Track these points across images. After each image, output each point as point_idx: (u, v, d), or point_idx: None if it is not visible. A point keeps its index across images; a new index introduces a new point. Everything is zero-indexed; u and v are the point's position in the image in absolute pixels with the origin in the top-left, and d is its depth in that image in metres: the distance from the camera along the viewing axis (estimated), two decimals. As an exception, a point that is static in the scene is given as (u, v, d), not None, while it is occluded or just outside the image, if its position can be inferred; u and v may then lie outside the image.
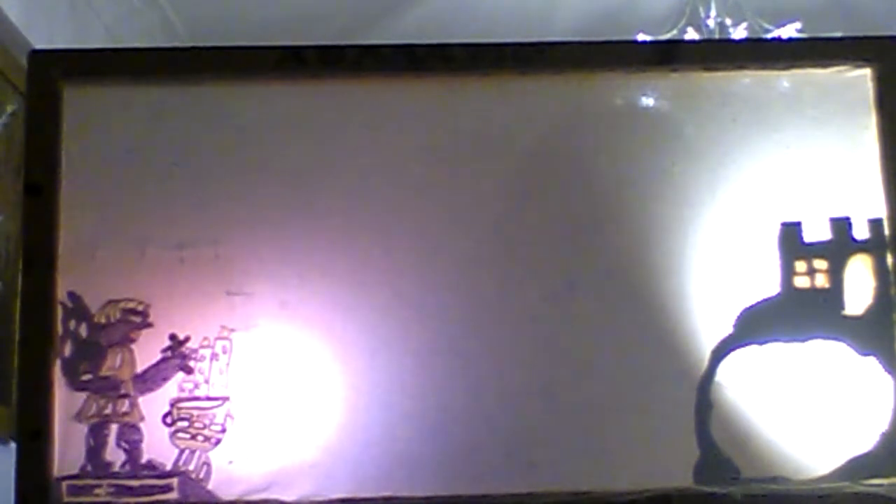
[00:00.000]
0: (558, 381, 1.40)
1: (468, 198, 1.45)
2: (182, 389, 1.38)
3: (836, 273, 1.42)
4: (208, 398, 1.38)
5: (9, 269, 2.76)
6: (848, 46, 1.52)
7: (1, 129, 2.76)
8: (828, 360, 1.41)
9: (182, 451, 1.37)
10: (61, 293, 1.40)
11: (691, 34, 3.89)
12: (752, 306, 1.42)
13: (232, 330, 1.39)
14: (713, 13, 3.92)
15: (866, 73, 1.47)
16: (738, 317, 1.41)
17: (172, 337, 1.39)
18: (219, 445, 1.37)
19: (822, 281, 1.42)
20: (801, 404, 1.39)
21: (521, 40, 1.49)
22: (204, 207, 1.43)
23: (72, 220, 1.42)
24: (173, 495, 1.35)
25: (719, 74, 1.48)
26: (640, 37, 3.62)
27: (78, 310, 1.40)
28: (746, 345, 1.41)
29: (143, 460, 1.37)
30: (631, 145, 1.46)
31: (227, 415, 1.37)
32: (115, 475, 1.36)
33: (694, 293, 1.41)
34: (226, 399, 1.38)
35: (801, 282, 1.42)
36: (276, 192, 1.43)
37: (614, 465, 1.38)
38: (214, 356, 1.38)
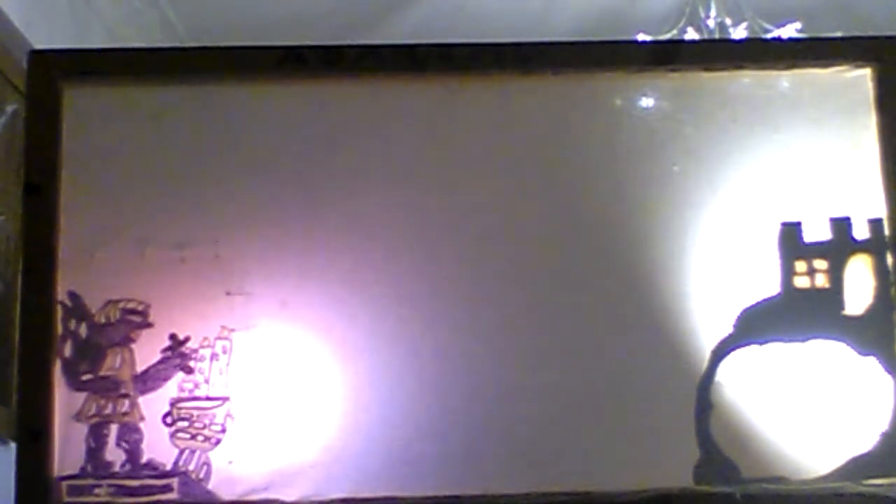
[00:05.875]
0: (558, 382, 1.40)
1: (468, 197, 1.45)
2: (182, 389, 1.38)
3: (836, 273, 1.42)
4: (208, 398, 1.38)
5: (9, 269, 2.75)
6: (848, 46, 1.52)
7: (1, 129, 2.76)
8: (828, 360, 1.41)
9: (182, 451, 1.37)
10: (61, 293, 1.40)
11: (691, 34, 3.89)
12: (752, 306, 1.42)
13: (232, 330, 1.39)
14: (713, 13, 3.92)
15: (866, 73, 1.47)
16: (738, 317, 1.41)
17: (172, 337, 1.39)
18: (219, 445, 1.37)
19: (822, 281, 1.42)
20: (802, 404, 1.39)
21: (521, 40, 1.49)
22: (204, 207, 1.43)
23: (72, 220, 1.42)
24: (173, 495, 1.35)
25: (719, 74, 1.48)
26: (640, 37, 3.62)
27: (78, 310, 1.40)
28: (746, 345, 1.41)
29: (143, 460, 1.36)
30: (631, 145, 1.46)
31: (227, 415, 1.37)
32: (115, 475, 1.36)
33: (694, 293, 1.41)
34: (226, 399, 1.38)
35: (801, 282, 1.42)
36: (276, 192, 1.43)
37: (614, 465, 1.38)
38: (214, 356, 1.38)
